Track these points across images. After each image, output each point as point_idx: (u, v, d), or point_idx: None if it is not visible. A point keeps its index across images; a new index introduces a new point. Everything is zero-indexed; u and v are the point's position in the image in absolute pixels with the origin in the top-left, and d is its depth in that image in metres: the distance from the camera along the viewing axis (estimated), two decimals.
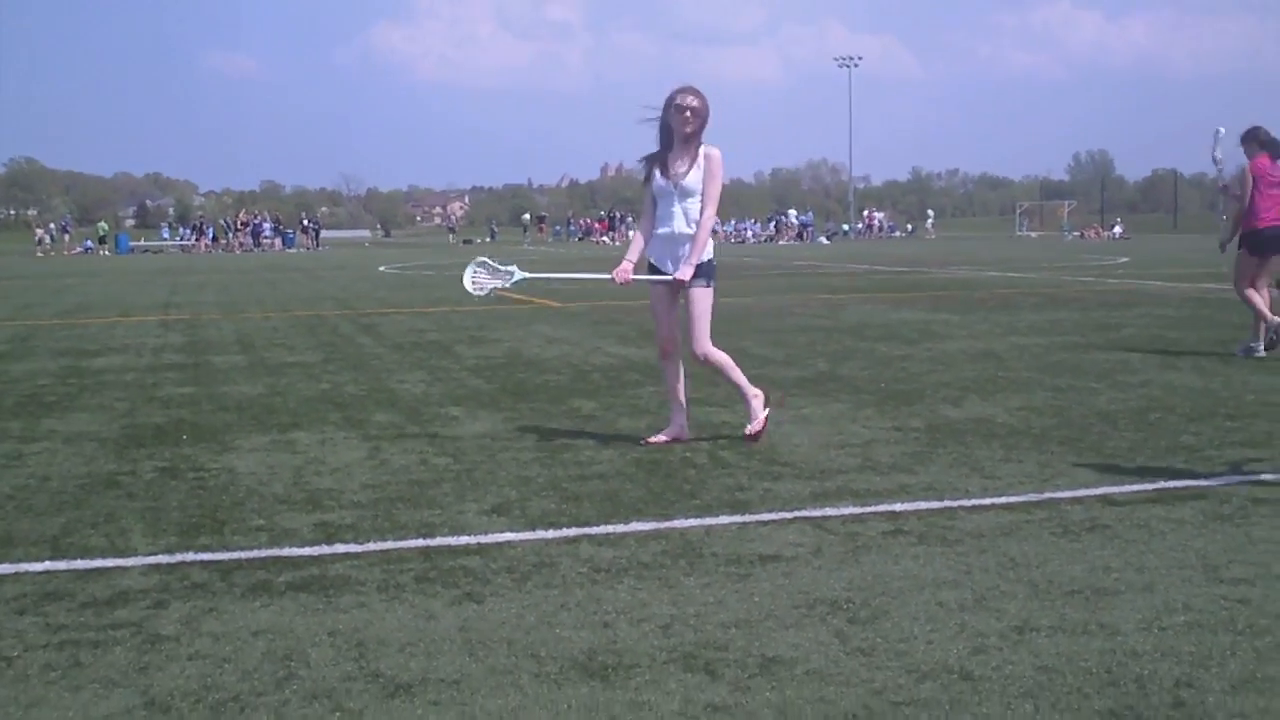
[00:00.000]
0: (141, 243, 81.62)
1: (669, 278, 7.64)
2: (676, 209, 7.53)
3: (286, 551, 5.33)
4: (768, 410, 7.83)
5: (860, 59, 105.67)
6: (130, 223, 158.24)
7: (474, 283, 8.06)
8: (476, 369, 11.46)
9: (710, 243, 7.65)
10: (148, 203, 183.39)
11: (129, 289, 28.26)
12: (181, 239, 79.07)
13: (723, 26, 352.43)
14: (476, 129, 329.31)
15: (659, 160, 7.59)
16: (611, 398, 9.56)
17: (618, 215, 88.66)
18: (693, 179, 7.48)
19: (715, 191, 7.55)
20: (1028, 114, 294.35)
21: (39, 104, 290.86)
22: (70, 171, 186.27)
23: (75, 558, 5.30)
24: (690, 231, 7.52)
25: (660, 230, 7.63)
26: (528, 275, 8.11)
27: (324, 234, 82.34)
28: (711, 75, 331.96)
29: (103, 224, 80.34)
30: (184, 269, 41.87)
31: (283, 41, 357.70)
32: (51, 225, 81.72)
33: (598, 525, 5.69)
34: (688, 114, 7.41)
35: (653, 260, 7.76)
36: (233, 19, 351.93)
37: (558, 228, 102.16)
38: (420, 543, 5.43)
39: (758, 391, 7.84)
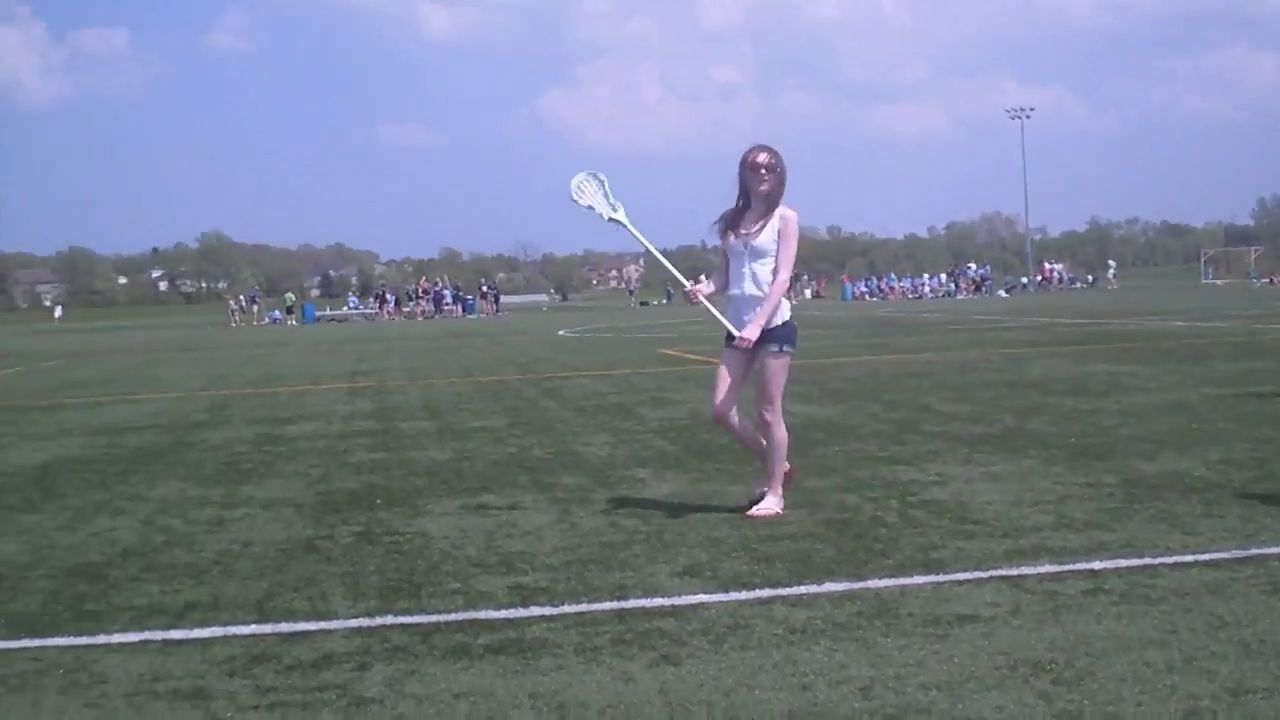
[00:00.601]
0: (327, 312, 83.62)
1: (738, 338, 7.42)
2: (747, 270, 7.38)
3: (483, 614, 5.39)
4: (782, 509, 7.37)
5: (1032, 110, 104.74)
6: (315, 292, 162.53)
7: (579, 188, 7.77)
8: (660, 430, 11.51)
9: (786, 305, 7.46)
10: (331, 273, 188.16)
11: (317, 358, 28.96)
12: (366, 307, 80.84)
13: (888, 82, 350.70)
14: (649, 192, 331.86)
15: (731, 219, 7.47)
16: (798, 457, 9.47)
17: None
18: (764, 239, 7.30)
19: (789, 254, 7.34)
20: (1207, 159, 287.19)
21: (227, 181, 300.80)
22: (257, 244, 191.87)
23: (280, 621, 5.44)
24: (759, 294, 7.33)
25: (732, 291, 7.51)
26: (625, 222, 7.82)
27: (503, 299, 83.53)
28: (880, 131, 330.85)
29: (290, 294, 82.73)
30: (369, 337, 42.79)
31: (456, 112, 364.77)
32: (241, 297, 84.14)
33: (791, 586, 5.66)
34: (762, 171, 7.28)
35: (730, 322, 7.55)
36: (407, 92, 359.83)
37: None
38: (614, 605, 5.46)
39: (779, 495, 7.48)
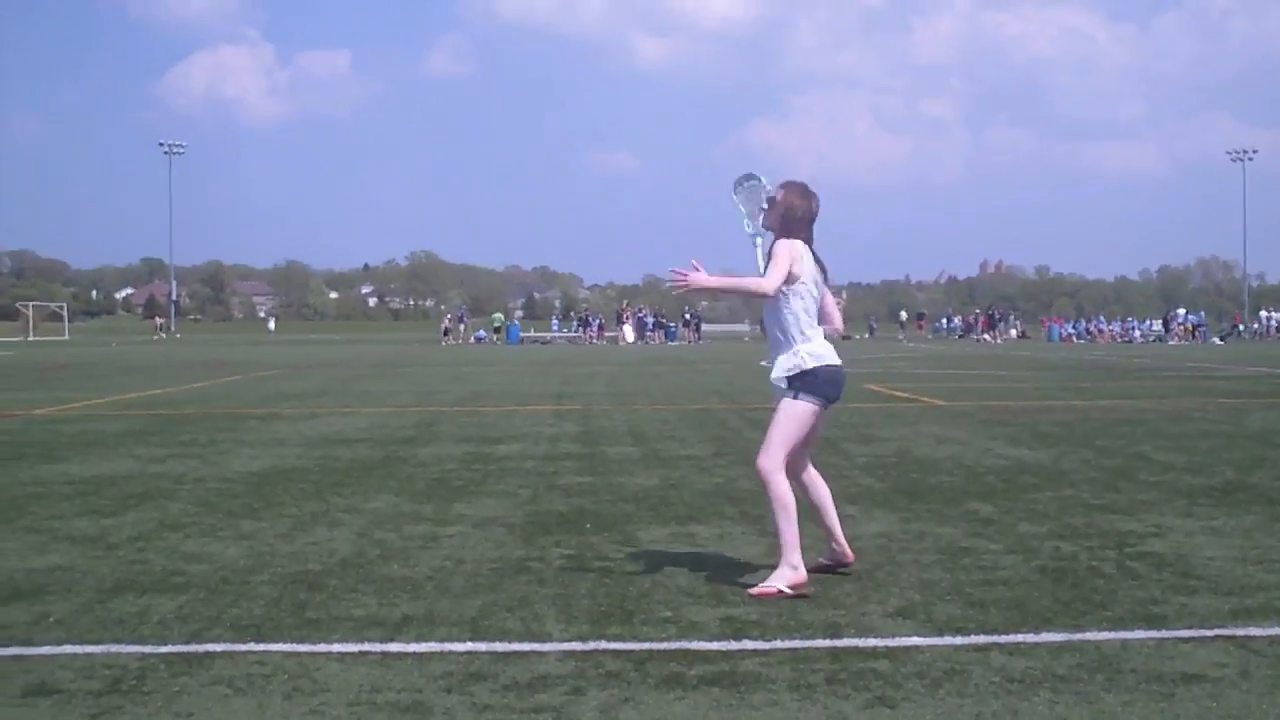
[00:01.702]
0: (531, 333, 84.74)
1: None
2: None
3: (695, 645, 5.40)
4: (791, 590, 6.37)
5: (1255, 152, 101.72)
6: (519, 314, 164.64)
7: (746, 191, 7.12)
8: (868, 467, 11.41)
9: (815, 351, 6.64)
10: (535, 295, 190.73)
11: (523, 379, 29.34)
12: (571, 330, 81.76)
13: (1102, 120, 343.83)
14: (853, 225, 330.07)
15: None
16: (1009, 501, 9.35)
17: (997, 313, 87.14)
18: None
19: (770, 271, 6.62)
20: None
21: (438, 201, 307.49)
22: (465, 264, 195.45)
23: (494, 640, 5.51)
24: (777, 341, 6.72)
25: None
26: (758, 250, 7.05)
27: (704, 327, 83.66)
28: (1091, 169, 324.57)
29: (498, 315, 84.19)
30: (573, 360, 43.24)
31: (664, 140, 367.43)
32: (448, 316, 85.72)
33: (1007, 634, 5.55)
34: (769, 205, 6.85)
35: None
36: (617, 120, 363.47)
37: (938, 324, 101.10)
38: (827, 643, 5.42)
39: (798, 563, 6.51)
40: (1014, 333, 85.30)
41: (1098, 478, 10.64)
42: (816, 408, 6.65)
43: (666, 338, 75.25)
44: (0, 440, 14.22)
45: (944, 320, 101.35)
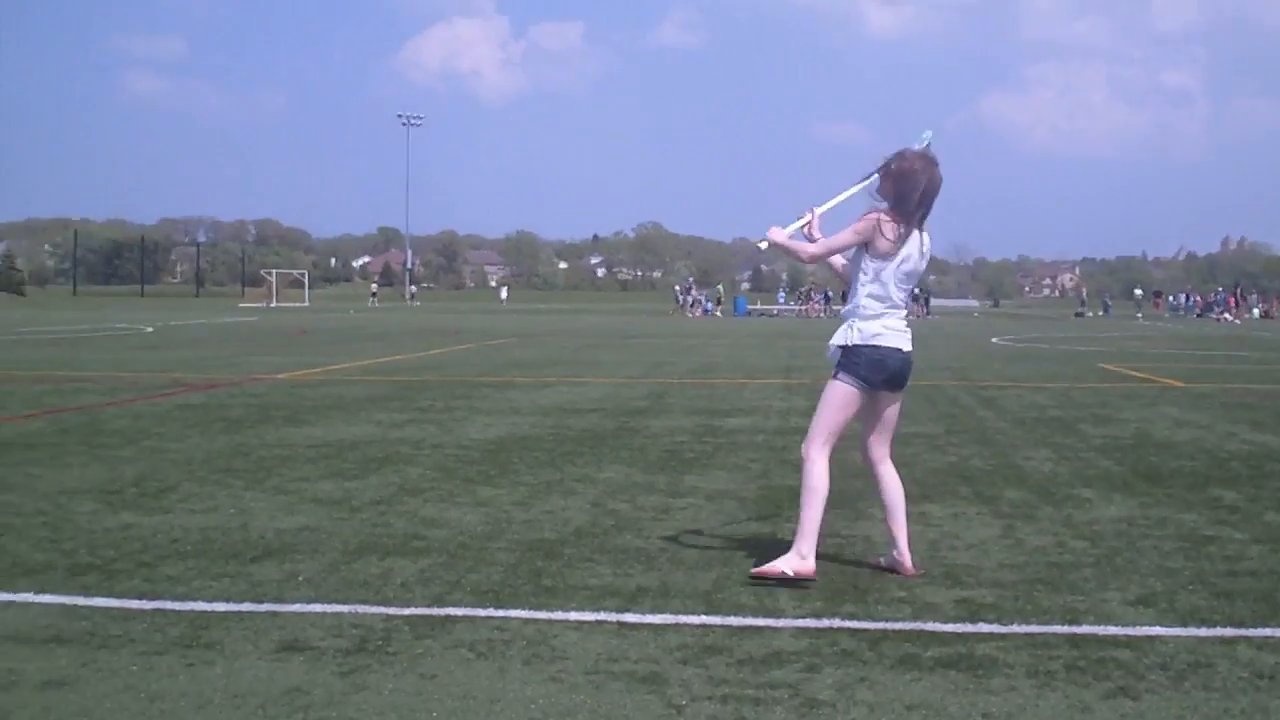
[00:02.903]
0: (758, 306, 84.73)
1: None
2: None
3: (930, 626, 5.35)
4: (798, 571, 6.06)
5: None
6: (745, 286, 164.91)
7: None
8: (1104, 449, 11.14)
9: (870, 329, 6.30)
10: (763, 267, 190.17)
11: (750, 351, 29.35)
12: (796, 303, 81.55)
13: None
14: (1088, 199, 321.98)
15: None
16: (1254, 488, 9.04)
17: (1241, 290, 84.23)
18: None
19: (829, 238, 6.43)
20: None
21: (666, 173, 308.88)
22: (692, 236, 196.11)
23: (729, 614, 5.54)
24: (850, 307, 6.44)
25: None
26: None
27: (933, 302, 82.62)
28: None
29: (719, 286, 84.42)
30: (799, 333, 43.08)
31: (894, 111, 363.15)
32: (676, 287, 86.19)
33: (1255, 627, 5.38)
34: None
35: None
36: (846, 90, 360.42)
37: (1174, 302, 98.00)
38: (1066, 629, 5.32)
39: (808, 553, 6.13)
40: (1256, 312, 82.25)
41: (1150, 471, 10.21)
42: (856, 390, 6.31)
43: None
44: (248, 403, 14.75)
45: (1182, 297, 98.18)
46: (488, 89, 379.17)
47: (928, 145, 6.46)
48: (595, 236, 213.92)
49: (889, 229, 6.21)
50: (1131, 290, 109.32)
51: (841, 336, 6.35)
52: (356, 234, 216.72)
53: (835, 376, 6.35)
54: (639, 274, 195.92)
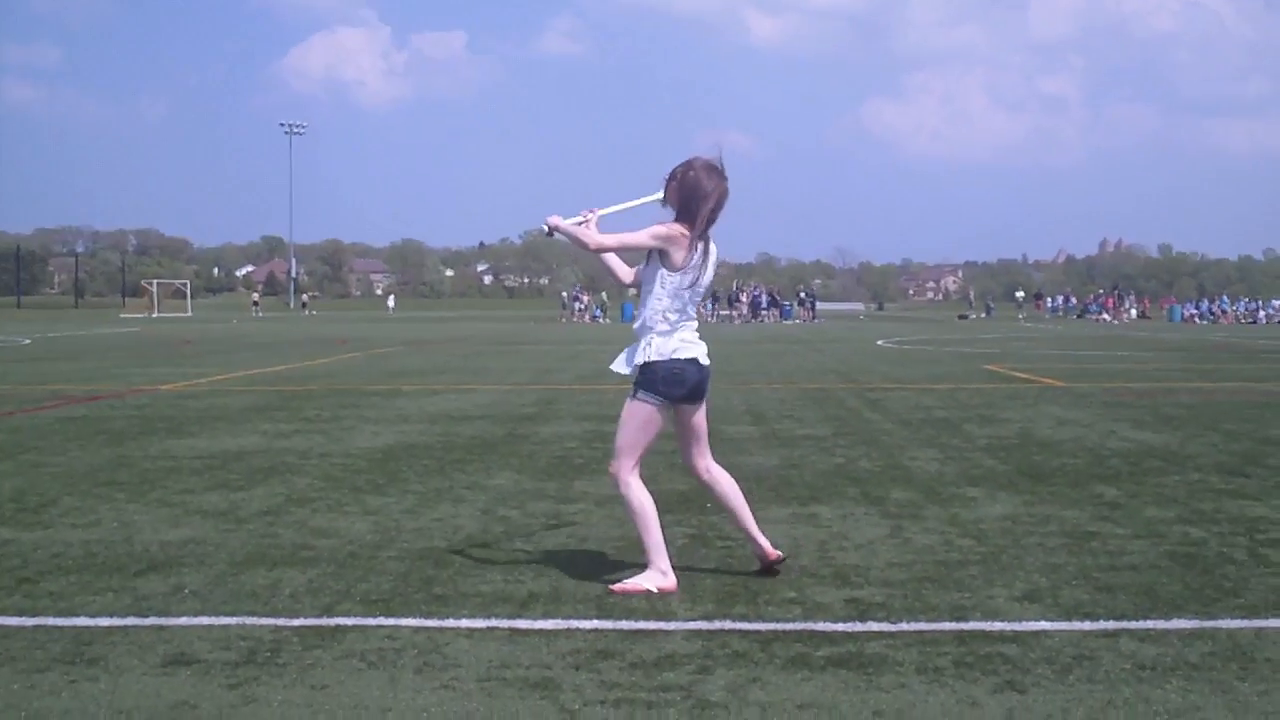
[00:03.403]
0: None
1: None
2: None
3: (821, 626, 5.39)
4: (659, 588, 6.03)
5: None
6: (633, 292, 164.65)
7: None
8: (989, 448, 11.30)
9: (659, 344, 6.17)
10: None
11: None
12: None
13: (1226, 96, 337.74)
14: (970, 203, 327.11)
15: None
16: (1134, 485, 9.22)
17: (1119, 291, 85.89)
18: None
19: (627, 233, 6.26)
20: None
21: (552, 179, 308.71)
22: None
23: (620, 618, 5.54)
24: (642, 322, 6.27)
25: None
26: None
27: (819, 305, 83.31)
28: (1216, 148, 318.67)
29: (604, 293, 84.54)
30: None
31: (777, 119, 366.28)
32: (564, 294, 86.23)
33: (1136, 620, 5.48)
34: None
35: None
36: (729, 99, 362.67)
37: (1054, 304, 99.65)
38: (953, 626, 5.39)
39: (667, 569, 6.14)
40: (1134, 312, 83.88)
41: (1226, 462, 10.47)
42: (655, 407, 6.19)
43: (781, 316, 74.94)
44: (130, 415, 14.52)
45: (1060, 299, 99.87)
46: (371, 97, 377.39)
47: (719, 157, 6.33)
48: (481, 244, 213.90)
49: (684, 242, 6.12)
50: (1013, 293, 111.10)
51: (639, 355, 6.22)
52: (239, 243, 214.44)
53: (634, 396, 6.21)
54: (526, 281, 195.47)
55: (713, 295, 79.55)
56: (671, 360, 6.16)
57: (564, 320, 73.09)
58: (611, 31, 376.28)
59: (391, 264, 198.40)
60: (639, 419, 6.22)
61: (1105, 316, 78.02)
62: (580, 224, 6.30)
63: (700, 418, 6.44)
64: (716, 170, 6.24)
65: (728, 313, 76.24)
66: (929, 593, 5.96)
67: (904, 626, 5.38)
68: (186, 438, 12.21)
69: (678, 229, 6.12)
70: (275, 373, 22.78)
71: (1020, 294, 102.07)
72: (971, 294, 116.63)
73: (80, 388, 18.95)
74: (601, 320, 74.74)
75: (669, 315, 6.19)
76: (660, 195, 6.37)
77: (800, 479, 9.52)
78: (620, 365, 6.37)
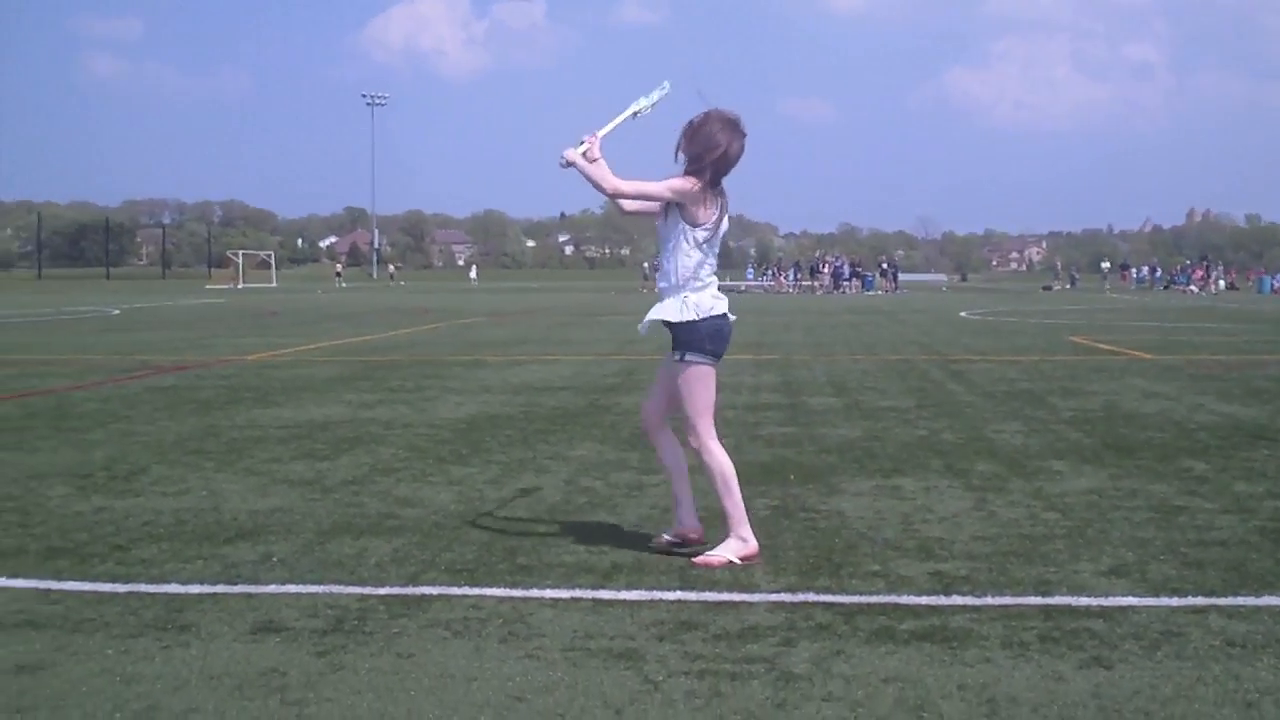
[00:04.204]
0: (726, 282, 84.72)
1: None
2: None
3: (905, 599, 5.37)
4: (743, 555, 6.04)
5: None
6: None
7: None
8: (1074, 421, 11.19)
9: (702, 299, 6.16)
10: (731, 244, 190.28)
11: None
12: (763, 279, 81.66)
13: None
14: (1053, 173, 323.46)
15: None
16: (1223, 459, 9.10)
17: (1208, 262, 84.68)
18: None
19: (650, 183, 6.16)
20: None
21: (632, 151, 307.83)
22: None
23: (704, 590, 5.55)
24: (675, 280, 6.17)
25: None
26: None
27: (901, 277, 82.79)
28: None
29: None
30: (768, 309, 43.13)
31: (859, 87, 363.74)
32: (644, 265, 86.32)
33: (1226, 596, 5.41)
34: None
35: None
36: (811, 66, 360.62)
37: (1140, 274, 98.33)
38: (1039, 600, 5.35)
39: (748, 535, 6.13)
40: (1221, 283, 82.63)
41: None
42: (709, 367, 6.18)
43: (864, 287, 74.56)
44: (217, 385, 14.70)
45: (1146, 270, 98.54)
46: (451, 67, 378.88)
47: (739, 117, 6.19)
48: (562, 214, 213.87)
49: (701, 198, 6.07)
50: (1098, 263, 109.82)
51: (681, 313, 6.11)
52: (323, 214, 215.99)
53: (683, 360, 6.13)
54: (607, 251, 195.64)
55: (794, 264, 79.43)
56: (711, 317, 6.13)
57: (644, 290, 73.07)
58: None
59: (473, 234, 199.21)
60: (700, 382, 6.18)
61: (1193, 288, 76.90)
62: (583, 151, 6.19)
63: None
64: (733, 124, 6.13)
65: (810, 283, 76.02)
66: (1014, 567, 5.92)
67: (989, 600, 5.34)
68: (272, 407, 12.34)
69: (694, 184, 6.04)
70: (359, 343, 22.97)
71: (1106, 265, 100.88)
72: (1059, 264, 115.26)
73: (168, 357, 19.21)
74: None
75: (700, 271, 6.14)
76: (651, 98, 6.43)
77: (883, 451, 9.48)
78: (657, 315, 6.21)
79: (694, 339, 6.11)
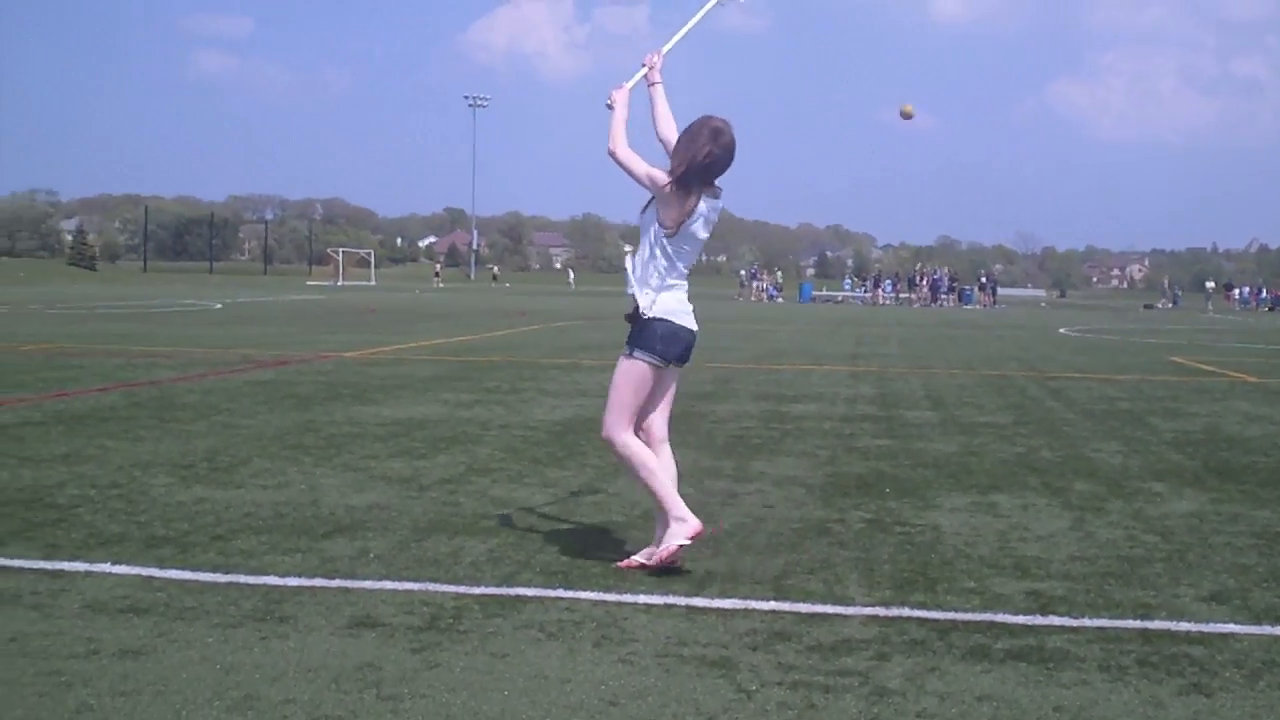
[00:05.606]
0: (823, 292, 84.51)
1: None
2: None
3: (1000, 617, 5.33)
4: (691, 540, 5.97)
5: None
6: (810, 271, 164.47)
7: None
8: (1175, 443, 11.03)
9: (664, 300, 6.10)
10: (828, 253, 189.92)
11: (816, 338, 29.29)
12: (861, 290, 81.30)
13: None
14: (1157, 189, 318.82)
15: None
16: None
17: None
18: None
19: (638, 161, 6.16)
20: None
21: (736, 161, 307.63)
22: (758, 221, 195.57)
23: (798, 601, 5.53)
24: (644, 273, 6.13)
25: None
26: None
27: (999, 291, 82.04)
28: None
29: (779, 272, 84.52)
30: (865, 320, 42.95)
31: (961, 98, 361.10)
32: (741, 272, 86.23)
33: None
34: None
35: None
36: (913, 76, 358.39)
37: (1244, 295, 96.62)
38: (1137, 624, 5.28)
39: (685, 513, 6.01)
40: None
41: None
42: (650, 366, 6.08)
43: (961, 301, 73.96)
44: (317, 381, 14.87)
45: (1248, 290, 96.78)
46: (552, 70, 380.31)
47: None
48: None
49: (673, 201, 6.03)
50: (1202, 282, 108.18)
51: (644, 307, 6.08)
52: (422, 214, 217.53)
53: (630, 354, 6.10)
54: (704, 258, 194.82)
55: (892, 276, 78.94)
56: (669, 321, 6.10)
57: (739, 298, 73.06)
58: (794, 6, 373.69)
59: (571, 238, 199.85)
60: (635, 378, 6.12)
61: None
62: (645, 73, 6.38)
63: (675, 382, 6.39)
64: (724, 135, 6.09)
65: (907, 295, 75.53)
66: (1112, 589, 5.85)
67: (1086, 622, 5.29)
68: (370, 405, 12.46)
69: (665, 182, 6.03)
70: (456, 343, 23.14)
71: (1210, 284, 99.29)
72: (1166, 282, 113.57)
73: (268, 352, 19.45)
74: (777, 299, 74.53)
75: (664, 272, 6.11)
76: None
77: (980, 466, 9.40)
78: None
79: (647, 336, 6.09)
